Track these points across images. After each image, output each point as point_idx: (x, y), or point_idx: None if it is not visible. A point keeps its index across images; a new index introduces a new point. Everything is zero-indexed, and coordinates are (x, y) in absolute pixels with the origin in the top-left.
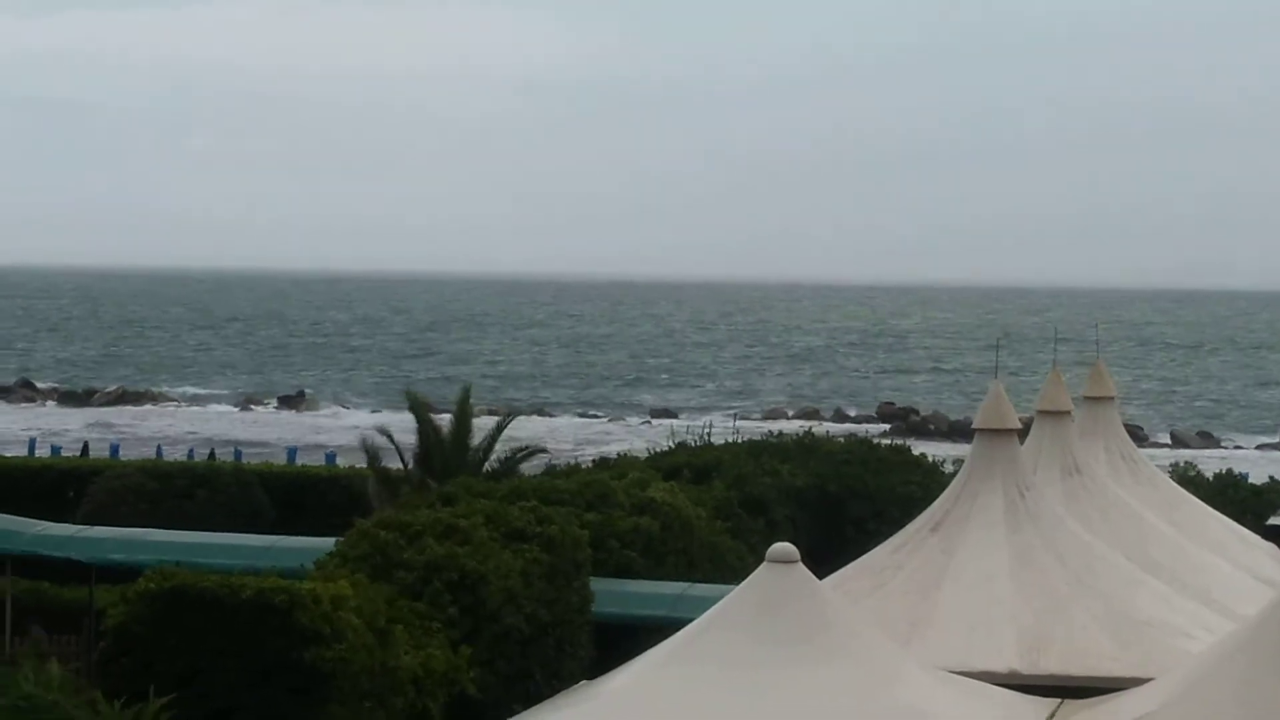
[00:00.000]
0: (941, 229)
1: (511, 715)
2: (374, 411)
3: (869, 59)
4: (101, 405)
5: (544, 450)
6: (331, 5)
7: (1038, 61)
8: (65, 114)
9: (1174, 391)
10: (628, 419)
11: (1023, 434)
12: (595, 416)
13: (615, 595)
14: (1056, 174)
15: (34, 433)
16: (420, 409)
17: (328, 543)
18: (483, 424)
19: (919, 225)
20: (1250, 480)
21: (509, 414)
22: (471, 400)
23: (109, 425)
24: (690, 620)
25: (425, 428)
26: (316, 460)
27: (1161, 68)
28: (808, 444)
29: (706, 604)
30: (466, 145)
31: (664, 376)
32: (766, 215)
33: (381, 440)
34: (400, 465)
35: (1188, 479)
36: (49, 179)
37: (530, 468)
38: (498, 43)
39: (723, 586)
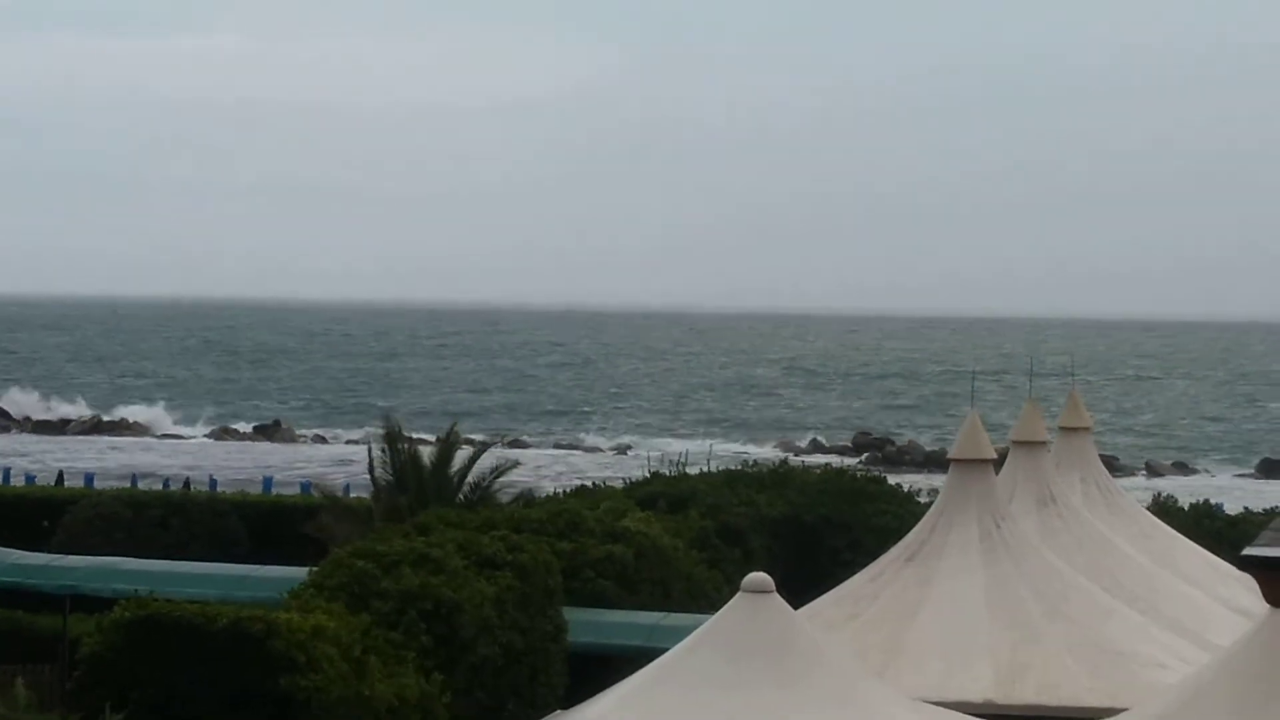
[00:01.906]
0: (949, 269)
1: None
2: (349, 443)
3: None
4: (76, 434)
5: (518, 464)
6: (328, 36)
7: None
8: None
9: (1150, 422)
10: (603, 448)
11: (998, 464)
12: (570, 447)
13: (590, 625)
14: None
15: (7, 462)
16: (393, 438)
17: (303, 572)
18: (460, 455)
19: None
20: (1225, 510)
21: (485, 445)
22: (457, 429)
23: (83, 454)
24: (665, 650)
25: (398, 456)
26: (292, 490)
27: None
28: (783, 474)
29: (682, 634)
30: (467, 177)
31: (641, 405)
32: (766, 250)
33: (337, 479)
34: (369, 493)
35: (1164, 509)
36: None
37: (506, 496)
38: (502, 68)
39: (698, 616)
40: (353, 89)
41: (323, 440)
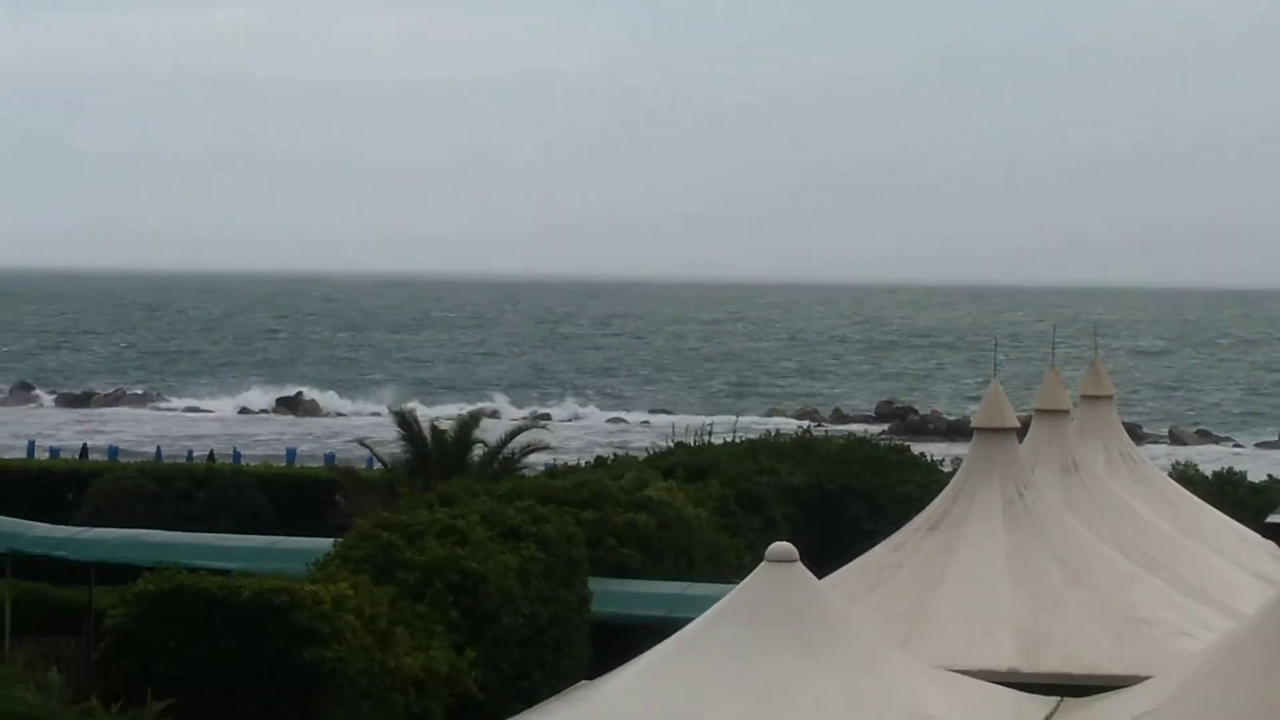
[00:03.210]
0: (950, 236)
1: (511, 715)
2: (374, 415)
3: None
4: (100, 407)
5: (546, 447)
6: (331, 14)
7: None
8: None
9: (1173, 389)
10: (627, 419)
11: (1021, 433)
12: (595, 417)
13: (613, 595)
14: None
15: (33, 435)
16: (406, 419)
17: (327, 543)
18: (494, 429)
19: (929, 230)
20: (1249, 478)
21: (525, 423)
22: (481, 404)
23: (108, 427)
24: (689, 620)
25: (415, 430)
26: (316, 463)
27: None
28: (806, 443)
29: (705, 604)
30: (476, 151)
31: (667, 376)
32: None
33: (362, 451)
34: (400, 464)
35: (1186, 477)
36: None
37: (532, 472)
38: (506, 47)
39: (722, 586)
40: (363, 64)
41: (344, 414)
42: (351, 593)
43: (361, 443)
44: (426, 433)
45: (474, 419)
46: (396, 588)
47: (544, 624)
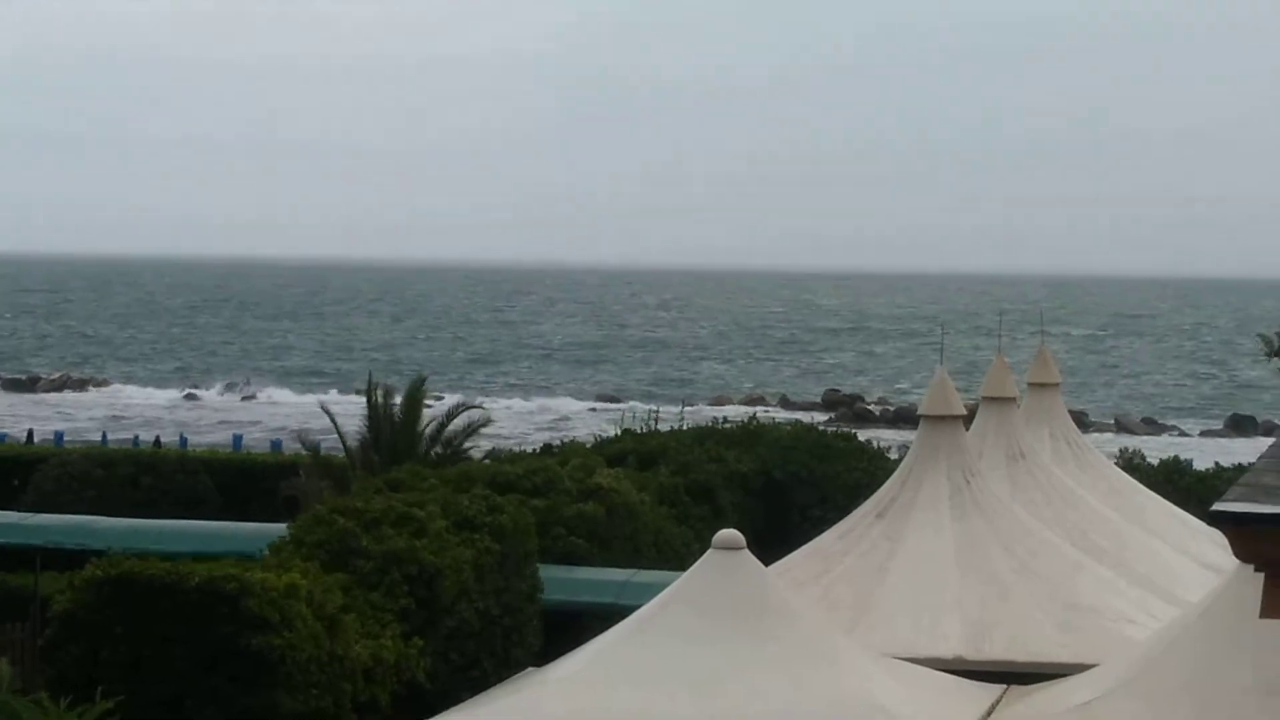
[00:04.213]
0: (924, 223)
1: (459, 703)
2: (313, 391)
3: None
4: (45, 391)
5: (489, 422)
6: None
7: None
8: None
9: (1118, 377)
10: (572, 404)
11: (968, 420)
12: (539, 400)
13: (561, 582)
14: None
15: None
16: (373, 391)
17: (275, 529)
18: (432, 412)
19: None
20: (1195, 466)
21: (462, 404)
22: (424, 384)
23: (53, 411)
24: (637, 607)
25: (375, 411)
26: (262, 449)
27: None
28: (753, 430)
29: (653, 590)
30: (460, 137)
31: (614, 363)
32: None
33: (319, 426)
34: (342, 451)
35: (1133, 466)
36: None
37: (477, 453)
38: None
39: (669, 573)
40: (329, 43)
41: (292, 398)
42: (303, 581)
43: (329, 415)
44: (393, 413)
45: (418, 386)
46: (350, 575)
47: (496, 615)
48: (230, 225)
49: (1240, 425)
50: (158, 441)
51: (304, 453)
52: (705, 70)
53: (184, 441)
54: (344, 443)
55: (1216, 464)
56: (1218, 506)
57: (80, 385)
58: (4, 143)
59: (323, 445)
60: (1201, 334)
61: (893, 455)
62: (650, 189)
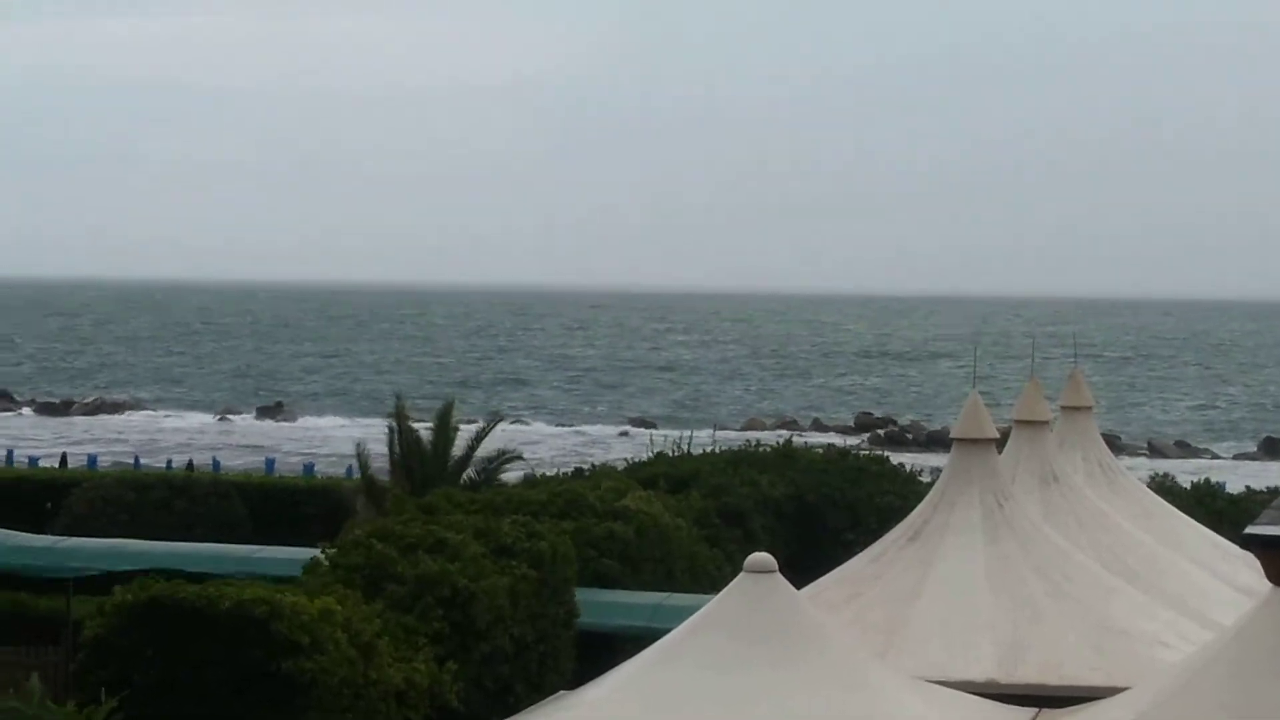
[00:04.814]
0: (945, 246)
1: None
2: (350, 418)
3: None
4: (79, 415)
5: (520, 457)
6: (318, 18)
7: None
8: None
9: (1151, 399)
10: (606, 429)
11: (1001, 444)
12: (573, 425)
13: (593, 605)
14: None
15: (10, 444)
16: (402, 417)
17: (307, 553)
18: (463, 434)
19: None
20: (1227, 490)
21: (491, 421)
22: (455, 412)
23: (86, 435)
24: (668, 630)
25: (406, 437)
26: (294, 471)
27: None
28: (786, 454)
29: (686, 614)
30: (465, 158)
31: (645, 387)
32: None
33: (375, 448)
34: (388, 475)
35: (1165, 489)
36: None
37: (512, 478)
38: (492, 52)
39: (701, 596)
40: (342, 71)
41: (325, 422)
42: (339, 606)
43: (390, 436)
44: (424, 439)
45: (447, 410)
46: (385, 600)
47: (531, 641)
48: (256, 249)
49: (1273, 448)
50: (190, 465)
51: (335, 477)
52: (735, 91)
53: (217, 465)
54: (392, 466)
55: (1248, 487)
56: (1251, 530)
57: (114, 409)
58: (12, 166)
59: (354, 470)
60: (1235, 356)
61: (925, 479)
62: (671, 211)
